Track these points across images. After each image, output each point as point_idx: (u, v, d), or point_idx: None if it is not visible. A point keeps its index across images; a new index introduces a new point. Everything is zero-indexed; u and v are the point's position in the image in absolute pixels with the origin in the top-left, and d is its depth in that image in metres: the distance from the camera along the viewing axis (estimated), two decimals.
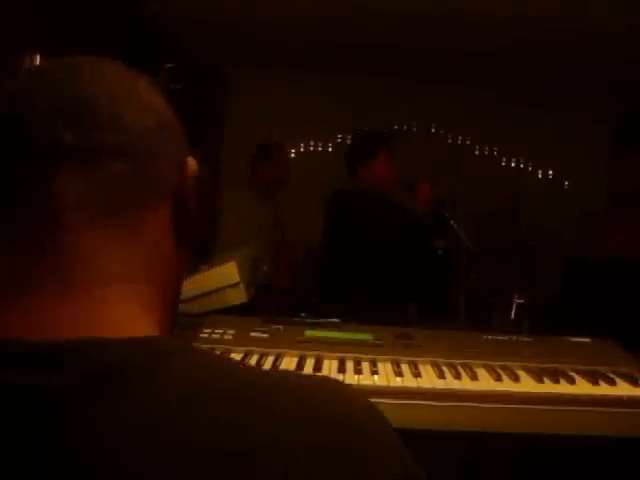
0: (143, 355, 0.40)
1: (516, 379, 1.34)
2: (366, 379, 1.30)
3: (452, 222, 2.37)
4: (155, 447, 0.37)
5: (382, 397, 1.23)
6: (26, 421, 0.37)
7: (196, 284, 1.64)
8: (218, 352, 1.40)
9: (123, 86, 0.48)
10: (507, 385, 1.31)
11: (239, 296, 1.68)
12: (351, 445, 0.41)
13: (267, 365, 1.34)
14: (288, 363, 1.36)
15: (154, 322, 0.47)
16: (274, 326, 1.57)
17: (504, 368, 1.40)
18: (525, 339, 1.64)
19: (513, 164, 5.17)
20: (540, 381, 1.34)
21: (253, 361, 1.36)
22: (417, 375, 1.32)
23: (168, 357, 0.41)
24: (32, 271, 0.43)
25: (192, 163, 0.53)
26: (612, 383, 1.35)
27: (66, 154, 0.43)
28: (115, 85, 0.48)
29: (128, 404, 0.38)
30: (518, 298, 1.96)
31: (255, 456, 0.38)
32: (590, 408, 1.27)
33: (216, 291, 1.66)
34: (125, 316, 0.44)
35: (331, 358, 1.41)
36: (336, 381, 0.48)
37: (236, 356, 1.39)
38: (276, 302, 2.70)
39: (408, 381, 1.30)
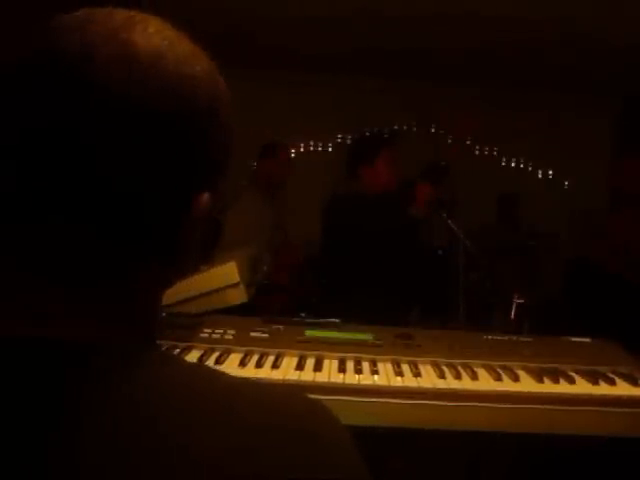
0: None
1: (516, 379, 1.34)
2: (366, 379, 1.30)
3: (451, 222, 2.37)
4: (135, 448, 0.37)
5: (382, 397, 1.23)
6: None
7: (196, 284, 1.63)
8: (218, 352, 1.40)
9: None
10: (507, 385, 1.31)
11: (239, 296, 1.67)
12: (313, 451, 0.41)
13: (267, 365, 1.34)
14: (288, 363, 1.36)
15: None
16: (274, 326, 1.57)
17: (504, 368, 1.40)
18: (525, 339, 1.64)
19: (513, 164, 5.16)
20: (540, 381, 1.34)
21: (253, 361, 1.36)
22: (417, 375, 1.33)
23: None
24: None
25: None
26: (612, 383, 1.35)
27: None
28: None
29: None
30: (518, 298, 1.96)
31: (224, 460, 0.38)
32: (590, 408, 1.27)
33: (216, 291, 1.65)
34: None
35: (331, 358, 1.41)
36: (298, 391, 0.48)
37: (236, 356, 1.39)
38: (276, 302, 2.69)
39: (408, 381, 1.30)
